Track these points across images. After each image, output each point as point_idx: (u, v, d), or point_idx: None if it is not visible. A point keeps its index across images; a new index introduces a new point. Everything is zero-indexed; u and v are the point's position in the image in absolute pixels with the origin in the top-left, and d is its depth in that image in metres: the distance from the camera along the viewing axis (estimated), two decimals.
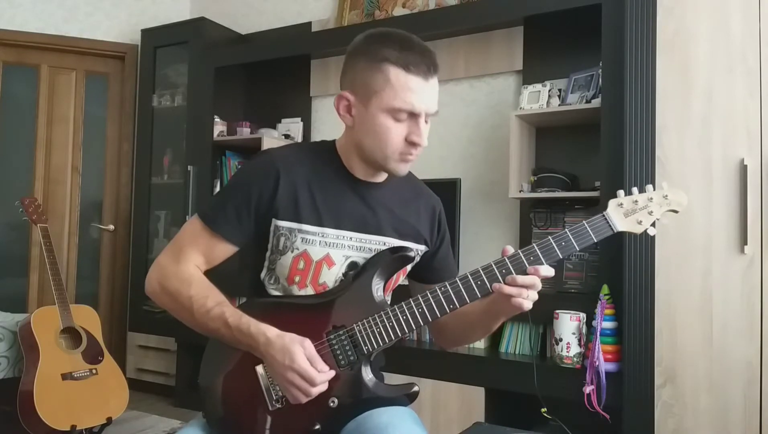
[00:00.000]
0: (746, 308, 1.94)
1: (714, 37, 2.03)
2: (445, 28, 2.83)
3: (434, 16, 2.89)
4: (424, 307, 1.11)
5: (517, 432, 1.66)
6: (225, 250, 1.20)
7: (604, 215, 1.11)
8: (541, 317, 2.44)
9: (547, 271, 1.09)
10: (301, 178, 1.18)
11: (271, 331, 1.07)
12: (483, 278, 1.10)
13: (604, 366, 2.15)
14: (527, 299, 1.07)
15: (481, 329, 1.24)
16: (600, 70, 2.44)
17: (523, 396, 2.37)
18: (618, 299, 2.17)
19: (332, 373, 1.08)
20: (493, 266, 1.10)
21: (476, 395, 2.46)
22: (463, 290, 1.10)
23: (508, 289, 1.07)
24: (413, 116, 1.11)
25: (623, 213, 1.12)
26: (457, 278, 1.12)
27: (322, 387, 1.06)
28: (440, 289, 1.12)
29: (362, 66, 1.13)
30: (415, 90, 1.10)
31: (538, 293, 1.10)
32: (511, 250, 1.11)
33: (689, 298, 2.02)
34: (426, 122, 1.14)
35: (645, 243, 2.07)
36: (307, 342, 1.06)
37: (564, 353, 2.28)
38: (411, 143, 1.13)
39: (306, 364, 1.04)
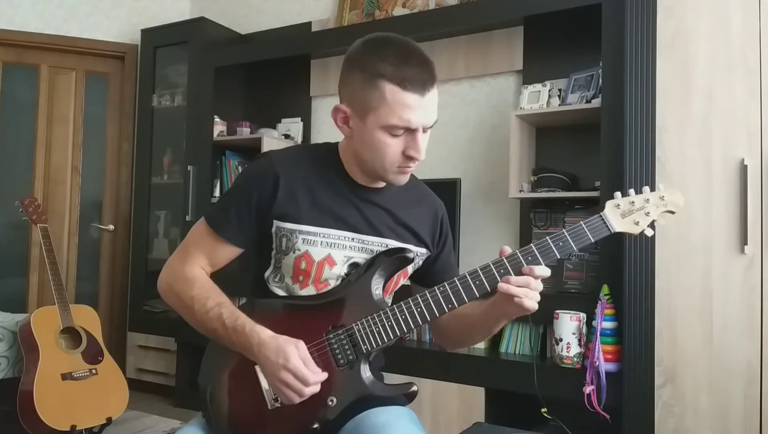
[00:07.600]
0: (746, 308, 1.94)
1: (714, 37, 2.03)
2: (445, 28, 2.82)
3: (434, 16, 2.88)
4: (423, 306, 1.12)
5: (517, 432, 1.66)
6: (228, 252, 1.21)
7: (601, 216, 1.12)
8: (541, 318, 2.44)
9: (543, 271, 1.08)
10: (301, 180, 1.19)
11: (264, 332, 1.08)
12: (481, 278, 1.10)
13: (604, 366, 2.15)
14: (531, 300, 1.07)
15: (481, 331, 1.24)
16: (600, 70, 2.44)
17: (523, 396, 2.37)
18: (618, 299, 2.17)
19: (325, 375, 1.08)
20: (492, 267, 1.10)
21: (476, 395, 2.46)
22: (461, 289, 1.11)
23: (513, 289, 1.06)
24: (410, 130, 1.10)
25: (620, 214, 1.12)
26: (455, 279, 1.12)
27: (314, 388, 1.06)
28: (439, 289, 1.12)
29: (358, 81, 1.10)
30: (411, 106, 1.07)
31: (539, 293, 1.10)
32: (508, 250, 1.11)
33: (689, 298, 2.02)
34: (425, 131, 1.13)
35: (645, 243, 2.07)
36: (301, 344, 1.07)
37: (564, 353, 2.28)
38: (408, 157, 1.12)
39: (300, 364, 1.04)
